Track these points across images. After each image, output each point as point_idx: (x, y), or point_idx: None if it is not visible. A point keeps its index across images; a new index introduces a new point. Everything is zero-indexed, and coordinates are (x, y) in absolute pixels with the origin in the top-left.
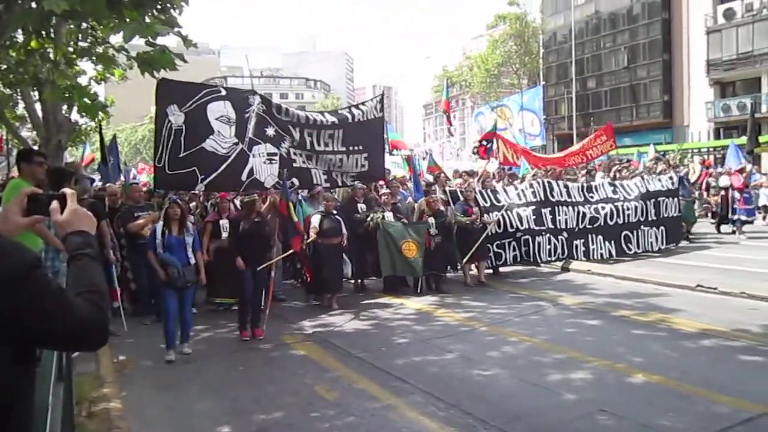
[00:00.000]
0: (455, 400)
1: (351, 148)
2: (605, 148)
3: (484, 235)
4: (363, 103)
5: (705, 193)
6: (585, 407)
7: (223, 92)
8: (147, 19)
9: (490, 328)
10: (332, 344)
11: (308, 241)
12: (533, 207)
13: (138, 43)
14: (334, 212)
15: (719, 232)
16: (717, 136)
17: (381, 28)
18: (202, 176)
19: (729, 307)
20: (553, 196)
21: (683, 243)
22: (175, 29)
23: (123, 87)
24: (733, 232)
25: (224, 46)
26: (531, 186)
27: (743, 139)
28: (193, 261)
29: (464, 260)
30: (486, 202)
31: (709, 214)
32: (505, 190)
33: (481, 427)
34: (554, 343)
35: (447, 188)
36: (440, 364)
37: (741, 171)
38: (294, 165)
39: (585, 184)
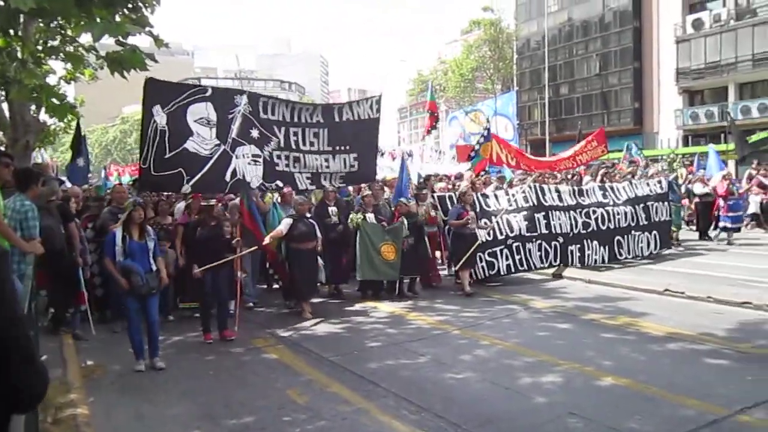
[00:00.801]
0: (427, 404)
1: (337, 147)
2: (596, 153)
3: (476, 245)
4: (358, 103)
5: (687, 200)
6: (555, 410)
7: (209, 92)
8: (117, 18)
9: (463, 332)
10: (304, 348)
11: (264, 243)
12: (525, 213)
13: (110, 42)
14: (308, 216)
15: (702, 239)
16: (686, 143)
17: (367, 25)
18: (188, 177)
19: (696, 311)
20: (545, 201)
21: (673, 250)
22: (147, 29)
23: (94, 87)
24: (710, 237)
25: (198, 47)
26: (522, 191)
27: (722, 146)
28: (155, 267)
29: (457, 267)
30: (476, 207)
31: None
32: (496, 196)
33: (452, 431)
34: (525, 347)
35: (435, 193)
36: (412, 367)
37: (723, 178)
38: (277, 168)
39: (576, 188)
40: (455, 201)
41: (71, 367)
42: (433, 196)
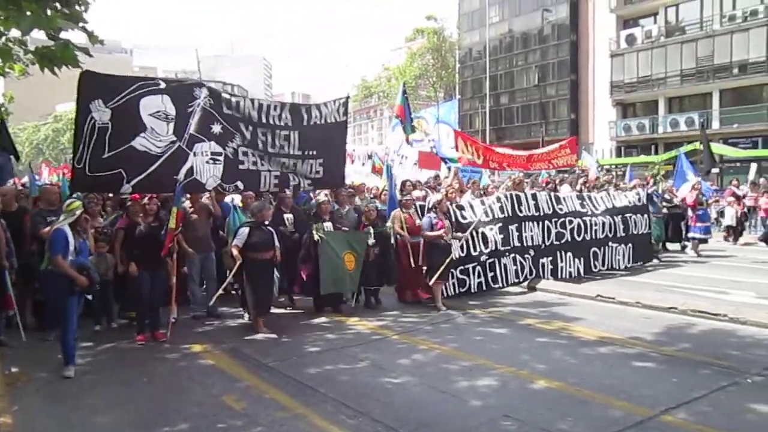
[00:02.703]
0: (365, 408)
1: (306, 152)
2: (568, 161)
3: (450, 258)
4: (325, 104)
5: None
6: (489, 413)
7: (162, 85)
8: (48, 12)
9: (401, 337)
10: (243, 353)
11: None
12: (500, 224)
13: (43, 36)
14: (266, 223)
15: (666, 250)
16: (618, 154)
17: (354, 23)
18: (129, 177)
19: (625, 316)
20: (521, 211)
21: (652, 261)
22: (80, 24)
23: (25, 83)
24: (684, 249)
25: (137, 46)
26: (498, 200)
27: (642, 158)
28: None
29: (432, 280)
30: (451, 218)
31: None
32: (472, 206)
33: None
34: (463, 351)
35: (416, 202)
36: (351, 372)
37: (693, 188)
38: (240, 167)
39: (554, 195)
40: (425, 210)
41: None
42: (414, 204)
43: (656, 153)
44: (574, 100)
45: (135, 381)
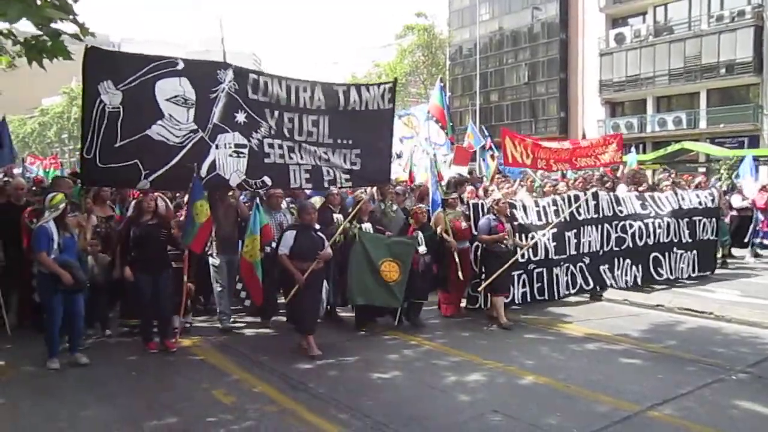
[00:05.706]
0: (354, 404)
1: (338, 141)
2: (615, 157)
3: (511, 261)
4: (367, 87)
5: None
6: (478, 408)
7: (181, 65)
8: (38, 2)
9: (391, 332)
10: (233, 348)
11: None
12: (554, 230)
13: (31, 29)
14: (317, 227)
15: (732, 256)
16: None
17: (343, 19)
18: (147, 171)
19: (613, 314)
20: (579, 214)
21: (724, 270)
22: (71, 16)
23: (11, 75)
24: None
25: (125, 39)
26: (554, 203)
27: (640, 156)
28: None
29: (481, 287)
30: (512, 219)
31: None
32: (525, 207)
33: (378, 430)
34: (451, 347)
35: (469, 200)
36: (341, 367)
37: (764, 188)
38: (266, 160)
39: (613, 195)
40: (480, 210)
41: None
42: (467, 204)
43: (644, 152)
44: (564, 98)
45: (123, 375)
